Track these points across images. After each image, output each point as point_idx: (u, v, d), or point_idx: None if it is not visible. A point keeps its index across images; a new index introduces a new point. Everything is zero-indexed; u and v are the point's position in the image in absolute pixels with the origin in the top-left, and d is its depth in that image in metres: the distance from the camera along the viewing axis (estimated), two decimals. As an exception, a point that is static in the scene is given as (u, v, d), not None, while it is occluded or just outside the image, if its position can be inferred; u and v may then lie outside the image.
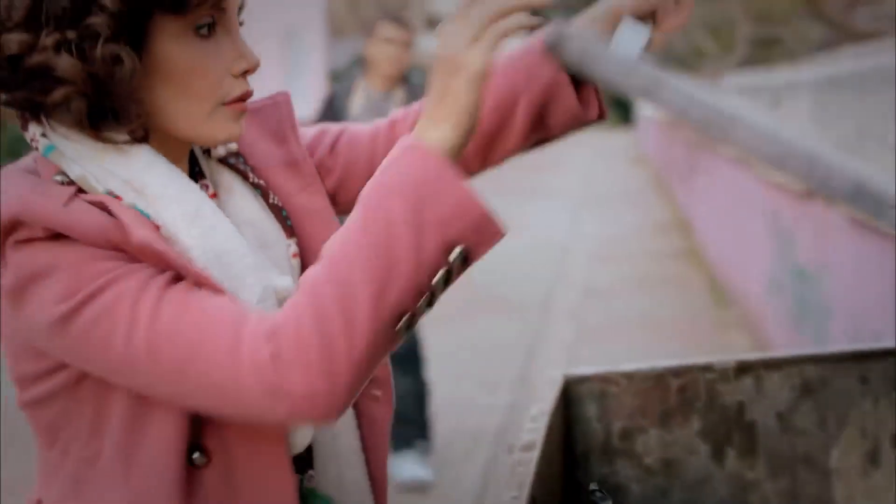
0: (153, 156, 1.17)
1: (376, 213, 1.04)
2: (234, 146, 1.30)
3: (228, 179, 1.28)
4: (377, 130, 1.40)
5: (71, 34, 1.09)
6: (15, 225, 1.08)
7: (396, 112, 1.42)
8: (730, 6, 26.46)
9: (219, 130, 1.19)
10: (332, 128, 1.41)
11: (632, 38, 1.08)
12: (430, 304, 1.07)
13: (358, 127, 1.42)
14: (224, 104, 1.18)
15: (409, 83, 4.54)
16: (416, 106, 1.42)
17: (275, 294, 1.19)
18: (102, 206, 1.10)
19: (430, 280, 1.04)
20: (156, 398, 1.12)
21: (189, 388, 1.08)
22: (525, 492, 1.25)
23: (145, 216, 1.14)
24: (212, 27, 1.16)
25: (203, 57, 1.15)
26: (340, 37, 37.60)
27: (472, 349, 6.69)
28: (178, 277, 1.10)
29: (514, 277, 9.28)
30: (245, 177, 1.29)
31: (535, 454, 1.36)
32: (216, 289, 1.11)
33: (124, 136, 1.14)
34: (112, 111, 1.12)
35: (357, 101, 4.49)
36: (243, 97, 1.20)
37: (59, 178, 1.13)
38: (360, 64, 4.60)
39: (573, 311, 8.05)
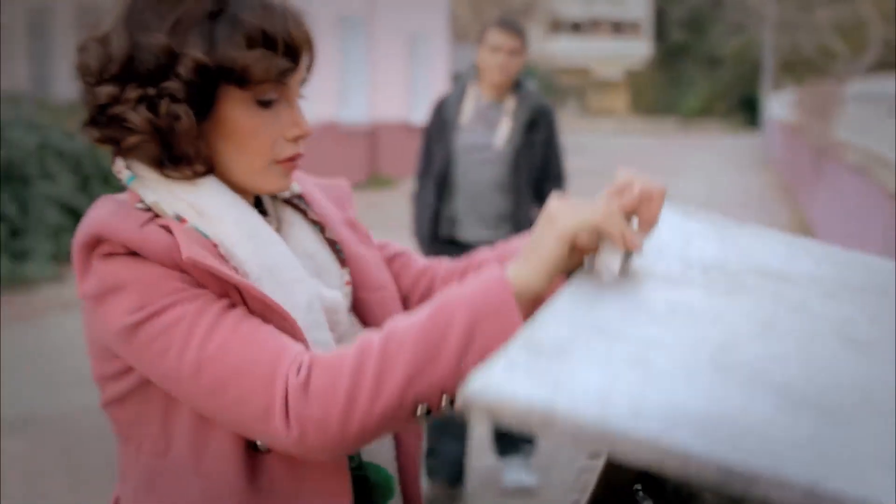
0: (217, 184, 1.34)
1: (442, 313, 1.18)
2: (297, 188, 1.46)
3: (290, 215, 1.44)
4: (428, 269, 1.55)
5: (151, 91, 1.27)
6: (97, 241, 1.26)
7: (452, 264, 1.54)
8: (863, 6, 25.74)
9: (269, 183, 1.36)
10: (395, 245, 1.57)
11: (611, 260, 1.20)
12: (451, 404, 1.19)
13: (416, 257, 1.57)
14: (276, 162, 1.35)
15: (522, 90, 4.38)
16: (463, 262, 1.53)
17: (320, 301, 1.35)
18: (169, 229, 1.28)
19: (456, 387, 1.16)
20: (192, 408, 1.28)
21: (220, 406, 1.23)
22: (585, 497, 1.34)
23: (204, 236, 1.31)
24: (273, 100, 1.33)
25: (261, 123, 1.32)
26: (464, 41, 37.84)
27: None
28: (232, 305, 1.26)
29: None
30: (305, 214, 1.45)
31: (601, 461, 1.44)
32: (264, 302, 1.26)
33: (188, 174, 1.32)
34: (174, 157, 1.30)
35: (467, 108, 4.39)
36: (294, 158, 1.36)
37: (139, 205, 1.32)
38: (473, 70, 4.46)
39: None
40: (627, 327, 1.08)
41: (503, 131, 4.36)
